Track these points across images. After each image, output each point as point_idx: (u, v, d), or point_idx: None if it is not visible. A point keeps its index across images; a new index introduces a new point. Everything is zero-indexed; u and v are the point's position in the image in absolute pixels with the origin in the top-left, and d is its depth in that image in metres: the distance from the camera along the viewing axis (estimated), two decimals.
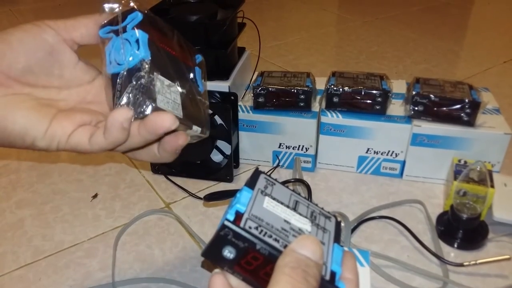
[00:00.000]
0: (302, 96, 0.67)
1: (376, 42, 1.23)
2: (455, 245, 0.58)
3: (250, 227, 0.28)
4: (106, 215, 0.64)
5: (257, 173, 0.33)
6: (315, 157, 0.71)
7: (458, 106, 0.62)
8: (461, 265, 0.54)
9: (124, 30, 0.32)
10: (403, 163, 0.69)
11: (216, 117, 0.67)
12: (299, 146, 0.70)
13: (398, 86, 0.74)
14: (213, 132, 0.66)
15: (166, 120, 0.31)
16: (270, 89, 0.67)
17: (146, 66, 0.32)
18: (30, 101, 0.33)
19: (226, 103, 0.65)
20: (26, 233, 0.61)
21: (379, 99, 0.65)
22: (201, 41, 0.64)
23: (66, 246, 0.59)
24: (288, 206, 0.32)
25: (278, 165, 0.72)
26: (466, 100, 0.62)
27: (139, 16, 0.33)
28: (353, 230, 0.60)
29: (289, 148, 0.70)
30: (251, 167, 0.73)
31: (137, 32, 0.32)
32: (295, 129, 0.68)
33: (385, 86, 0.66)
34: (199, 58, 0.40)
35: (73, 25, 0.34)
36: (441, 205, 0.65)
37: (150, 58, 0.32)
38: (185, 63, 0.37)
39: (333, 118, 0.67)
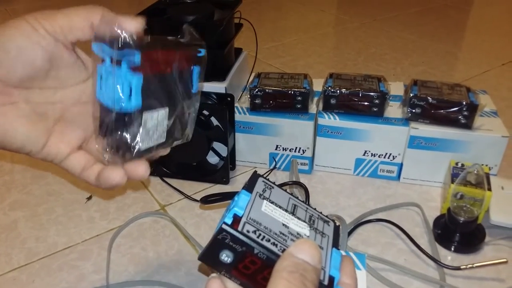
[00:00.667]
0: (299, 98, 0.66)
1: (374, 44, 1.23)
2: (452, 249, 0.57)
3: (248, 231, 0.27)
4: (101, 217, 0.64)
5: (255, 177, 0.33)
6: (312, 159, 0.71)
7: (455, 108, 0.62)
8: (458, 268, 0.54)
9: (119, 63, 0.30)
10: (400, 166, 0.68)
11: (212, 119, 0.67)
12: (296, 148, 0.69)
13: (396, 88, 0.74)
14: (209, 134, 0.66)
15: (116, 176, 0.33)
16: (267, 90, 0.66)
17: (135, 115, 0.30)
18: (28, 112, 0.33)
19: (223, 105, 0.65)
20: (19, 235, 0.61)
21: (376, 101, 0.65)
22: None
23: (60, 248, 0.58)
24: (286, 210, 0.31)
25: (275, 167, 0.72)
26: (464, 103, 0.62)
27: (136, 57, 0.29)
28: (349, 233, 0.60)
29: (286, 150, 0.70)
30: (248, 169, 0.73)
31: (132, 77, 0.30)
32: (292, 131, 0.68)
33: (383, 88, 0.65)
34: (201, 52, 0.37)
35: (70, 29, 0.33)
36: (438, 208, 0.64)
37: (140, 106, 0.30)
38: (181, 70, 0.35)
39: (330, 120, 0.67)
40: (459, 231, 0.57)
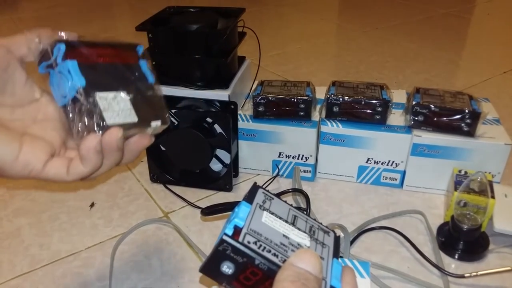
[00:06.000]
0: (302, 105, 0.67)
1: (376, 52, 1.23)
2: (456, 256, 0.57)
3: (248, 242, 0.27)
4: (104, 224, 0.64)
5: (255, 188, 0.33)
6: (315, 166, 0.71)
7: (458, 116, 0.62)
8: (462, 276, 0.53)
9: (56, 63, 0.34)
10: (404, 173, 0.68)
11: (216, 126, 0.67)
12: (299, 155, 0.70)
13: (398, 96, 0.74)
14: (213, 141, 0.66)
15: (114, 134, 0.33)
16: (270, 98, 0.66)
17: (83, 92, 0.34)
18: None
19: (226, 112, 0.65)
20: (23, 242, 0.61)
21: (379, 108, 0.65)
22: (202, 50, 0.64)
23: (63, 255, 0.59)
24: (286, 221, 0.32)
25: (277, 175, 0.72)
26: (466, 110, 0.62)
27: (62, 48, 0.34)
28: (353, 241, 0.60)
29: (289, 158, 0.70)
30: (251, 176, 0.73)
31: (66, 63, 0.34)
32: (295, 138, 0.68)
33: (385, 96, 0.66)
34: (140, 49, 0.41)
35: (19, 43, 0.35)
36: (442, 216, 0.64)
37: (84, 83, 0.34)
38: (126, 63, 0.39)
39: (333, 128, 0.67)
40: (463, 239, 0.57)
